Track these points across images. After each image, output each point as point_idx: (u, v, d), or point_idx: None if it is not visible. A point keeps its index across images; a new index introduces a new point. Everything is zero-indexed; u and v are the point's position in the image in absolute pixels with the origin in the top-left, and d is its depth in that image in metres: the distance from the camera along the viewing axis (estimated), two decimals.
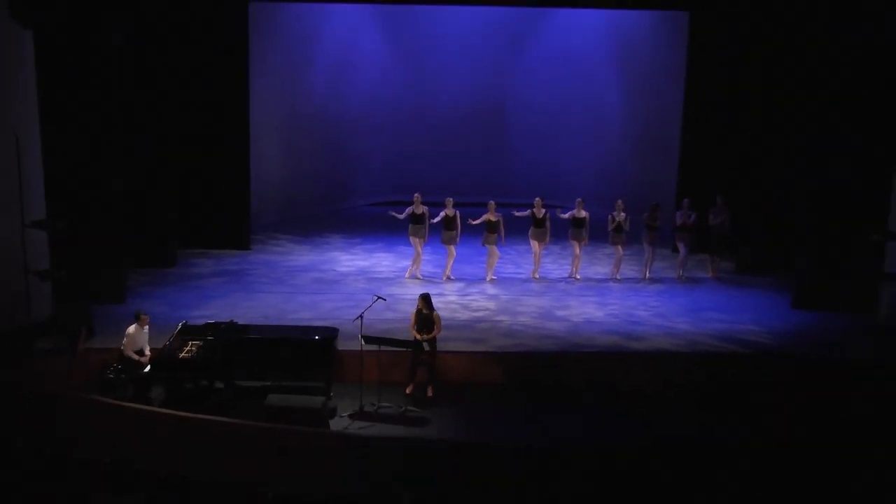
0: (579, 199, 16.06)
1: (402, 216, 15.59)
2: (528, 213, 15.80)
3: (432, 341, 11.65)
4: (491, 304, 14.47)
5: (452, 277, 15.77)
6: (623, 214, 15.73)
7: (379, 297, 12.18)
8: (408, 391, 11.64)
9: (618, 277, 15.98)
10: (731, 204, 15.92)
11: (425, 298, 11.71)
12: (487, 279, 15.77)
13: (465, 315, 13.79)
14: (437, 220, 15.43)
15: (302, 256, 17.36)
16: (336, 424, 10.78)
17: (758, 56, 16.02)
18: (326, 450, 9.62)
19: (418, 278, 15.71)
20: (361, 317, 11.53)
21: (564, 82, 22.30)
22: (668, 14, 18.61)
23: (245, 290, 14.86)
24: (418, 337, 11.57)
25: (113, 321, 12.57)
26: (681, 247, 16.08)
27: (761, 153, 16.18)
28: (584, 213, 15.78)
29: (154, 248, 15.87)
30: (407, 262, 16.28)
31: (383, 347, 11.31)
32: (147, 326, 11.50)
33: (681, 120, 17.51)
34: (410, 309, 12.18)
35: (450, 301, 14.34)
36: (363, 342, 11.34)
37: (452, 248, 15.67)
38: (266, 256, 17.19)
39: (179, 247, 16.50)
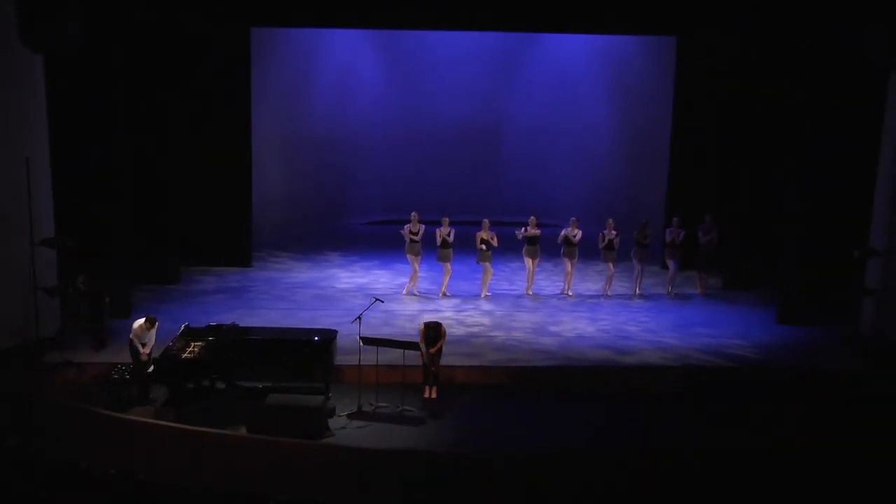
0: (573, 218, 16.43)
1: (424, 236, 15.90)
2: (524, 231, 16.14)
3: (437, 355, 12.00)
4: (485, 320, 14.83)
5: (448, 294, 16.13)
6: (614, 232, 16.15)
7: (377, 299, 12.69)
8: (426, 396, 11.95)
9: (609, 294, 16.36)
10: (718, 222, 16.36)
11: (438, 326, 11.99)
12: (482, 295, 16.13)
13: (460, 330, 14.14)
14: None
15: (302, 273, 17.72)
16: (335, 424, 11.09)
17: (743, 78, 16.46)
18: (325, 460, 9.93)
19: (415, 294, 16.08)
20: (360, 318, 11.92)
21: (557, 104, 22.78)
22: (656, 39, 19.08)
23: (247, 307, 15.19)
24: (424, 350, 11.85)
25: (119, 336, 12.93)
26: (670, 264, 16.47)
27: (747, 172, 16.60)
28: (577, 232, 16.17)
29: (158, 266, 16.20)
30: (403, 279, 16.66)
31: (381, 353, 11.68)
32: (153, 331, 11.88)
33: (669, 140, 17.91)
34: (408, 325, 12.63)
35: (445, 317, 14.63)
36: (361, 343, 11.69)
37: (448, 265, 16.05)
38: (267, 273, 17.55)
39: (183, 264, 16.84)
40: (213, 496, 8.51)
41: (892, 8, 12.92)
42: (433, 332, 11.96)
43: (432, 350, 11.90)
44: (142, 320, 11.91)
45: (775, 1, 15.35)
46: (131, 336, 11.83)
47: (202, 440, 10.14)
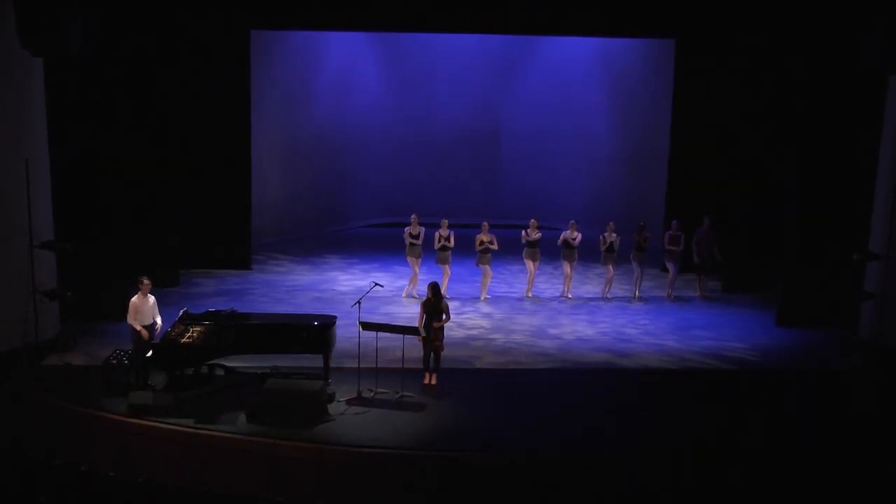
0: (572, 221, 16.47)
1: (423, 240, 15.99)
2: (527, 234, 16.21)
3: (440, 330, 11.94)
4: (485, 323, 14.85)
5: (447, 296, 16.09)
6: (614, 235, 16.16)
7: (377, 284, 12.79)
8: (426, 382, 11.95)
9: (608, 296, 16.38)
10: (717, 224, 16.33)
11: (434, 288, 12.01)
12: (482, 298, 16.15)
13: (459, 333, 14.14)
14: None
15: (302, 276, 17.73)
16: (334, 409, 11.09)
17: (741, 80, 16.48)
18: (322, 462, 9.95)
19: (415, 297, 16.06)
20: (359, 302, 11.98)
21: (556, 107, 22.81)
22: (654, 41, 19.12)
23: (246, 309, 14.94)
24: (423, 335, 11.78)
25: (118, 338, 12.92)
26: (670, 266, 16.47)
27: (746, 175, 16.62)
28: (576, 234, 16.20)
29: (158, 269, 16.14)
30: (403, 282, 16.67)
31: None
32: (150, 295, 11.84)
33: (668, 142, 17.92)
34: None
35: None
36: (361, 328, 11.72)
37: (447, 267, 16.07)
38: (267, 276, 17.55)
39: (182, 267, 16.82)
40: (211, 498, 8.52)
41: (887, 15, 12.91)
42: (434, 292, 11.86)
43: (436, 324, 11.82)
44: (135, 296, 11.83)
45: (774, 3, 15.37)
46: (129, 312, 11.73)
47: (200, 441, 10.18)
